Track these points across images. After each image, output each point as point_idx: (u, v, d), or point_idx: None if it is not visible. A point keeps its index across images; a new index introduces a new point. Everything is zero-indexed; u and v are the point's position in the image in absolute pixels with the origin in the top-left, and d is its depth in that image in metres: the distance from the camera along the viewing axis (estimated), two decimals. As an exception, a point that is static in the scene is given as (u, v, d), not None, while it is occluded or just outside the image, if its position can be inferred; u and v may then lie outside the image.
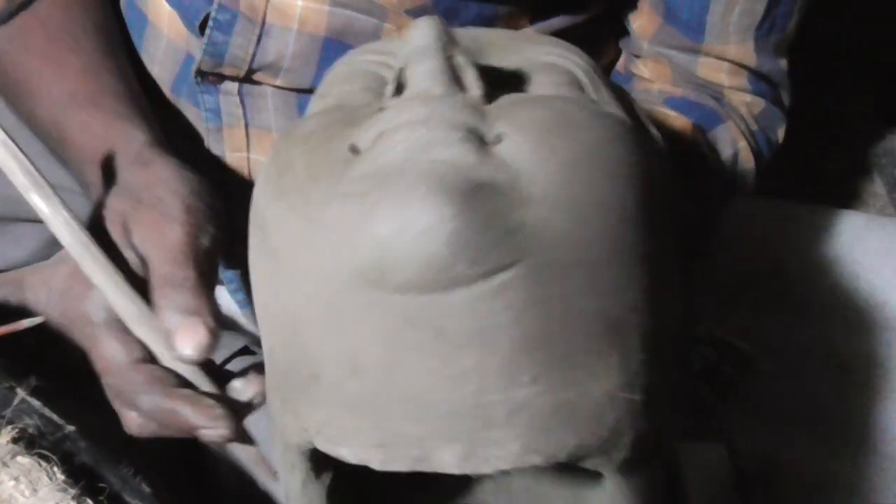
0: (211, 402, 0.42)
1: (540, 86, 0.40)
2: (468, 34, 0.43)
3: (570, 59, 0.42)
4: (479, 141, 0.34)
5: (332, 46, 0.59)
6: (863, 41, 1.03)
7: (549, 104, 0.37)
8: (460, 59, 0.37)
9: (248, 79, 0.61)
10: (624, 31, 0.68)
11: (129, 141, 0.51)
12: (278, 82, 0.61)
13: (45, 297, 0.72)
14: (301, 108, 0.62)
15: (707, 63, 0.64)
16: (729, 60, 0.64)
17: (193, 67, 0.61)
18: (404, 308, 0.32)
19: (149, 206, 0.46)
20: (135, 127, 0.52)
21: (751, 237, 0.77)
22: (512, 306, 0.32)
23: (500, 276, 0.32)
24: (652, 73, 0.67)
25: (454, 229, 0.31)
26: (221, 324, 0.44)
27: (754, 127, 0.66)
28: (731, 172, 0.65)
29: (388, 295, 0.32)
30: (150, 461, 0.54)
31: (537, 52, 0.43)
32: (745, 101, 0.66)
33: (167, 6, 0.62)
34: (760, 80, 0.66)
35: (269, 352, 0.39)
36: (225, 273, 0.71)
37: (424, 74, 0.35)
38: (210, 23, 0.59)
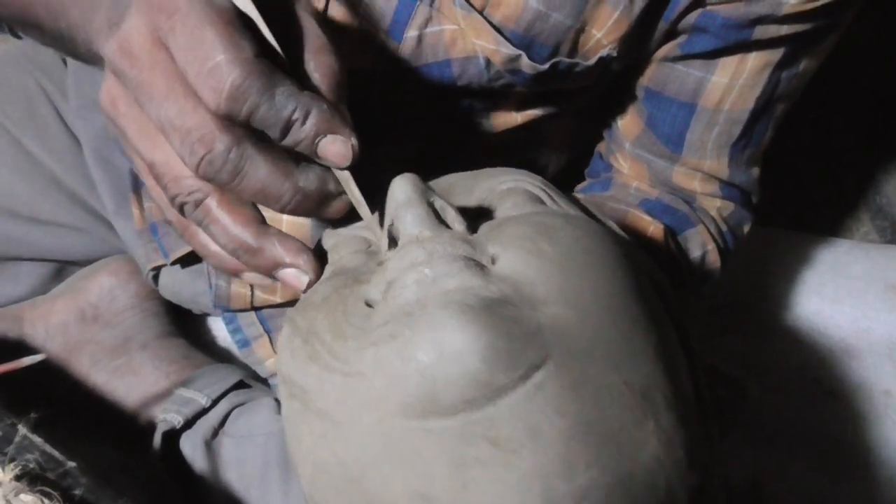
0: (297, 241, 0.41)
1: (506, 210, 0.43)
2: (434, 181, 0.47)
3: (525, 181, 0.46)
4: (478, 266, 0.37)
5: None
6: (848, 76, 1.05)
7: (524, 220, 0.40)
8: (439, 203, 0.40)
9: None
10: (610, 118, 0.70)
11: None
12: None
13: (43, 331, 0.73)
14: None
15: (682, 172, 0.67)
16: (703, 172, 0.67)
17: None
18: (458, 428, 0.34)
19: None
20: None
21: (738, 263, 0.78)
22: (551, 401, 0.34)
23: (535, 375, 0.34)
24: (630, 171, 0.69)
25: (485, 344, 0.33)
26: None
27: (724, 228, 0.69)
28: (699, 272, 0.68)
29: (440, 420, 0.34)
30: (148, 494, 0.55)
31: (494, 182, 0.46)
32: (716, 206, 0.69)
33: None
34: (732, 188, 0.69)
35: None
36: (224, 315, 0.72)
37: (413, 221, 0.38)
38: None
